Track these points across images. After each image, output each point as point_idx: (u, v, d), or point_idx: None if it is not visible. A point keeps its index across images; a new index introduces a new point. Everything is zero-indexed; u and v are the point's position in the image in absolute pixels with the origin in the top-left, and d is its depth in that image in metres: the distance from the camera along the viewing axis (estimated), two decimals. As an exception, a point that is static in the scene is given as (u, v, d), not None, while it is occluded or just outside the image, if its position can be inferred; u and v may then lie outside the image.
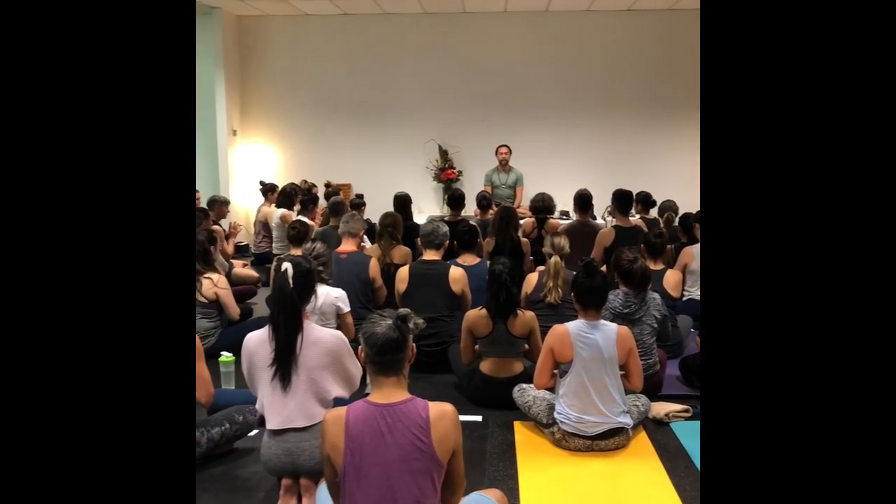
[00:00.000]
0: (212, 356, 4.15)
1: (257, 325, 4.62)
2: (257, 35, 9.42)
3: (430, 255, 4.70)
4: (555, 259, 4.42)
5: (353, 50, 9.32)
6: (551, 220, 6.36)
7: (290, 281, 2.83)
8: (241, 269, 6.65)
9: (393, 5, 8.72)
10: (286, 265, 2.87)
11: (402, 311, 2.25)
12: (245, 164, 9.52)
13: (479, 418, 3.81)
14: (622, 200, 5.87)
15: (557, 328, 3.45)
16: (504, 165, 8.57)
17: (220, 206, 7.24)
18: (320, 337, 2.86)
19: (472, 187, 8.44)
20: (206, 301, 4.64)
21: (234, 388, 4.08)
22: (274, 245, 7.44)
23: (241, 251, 8.22)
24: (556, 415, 3.47)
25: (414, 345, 2.28)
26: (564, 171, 9.02)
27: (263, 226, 7.69)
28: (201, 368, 3.16)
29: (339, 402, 2.85)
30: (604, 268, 4.90)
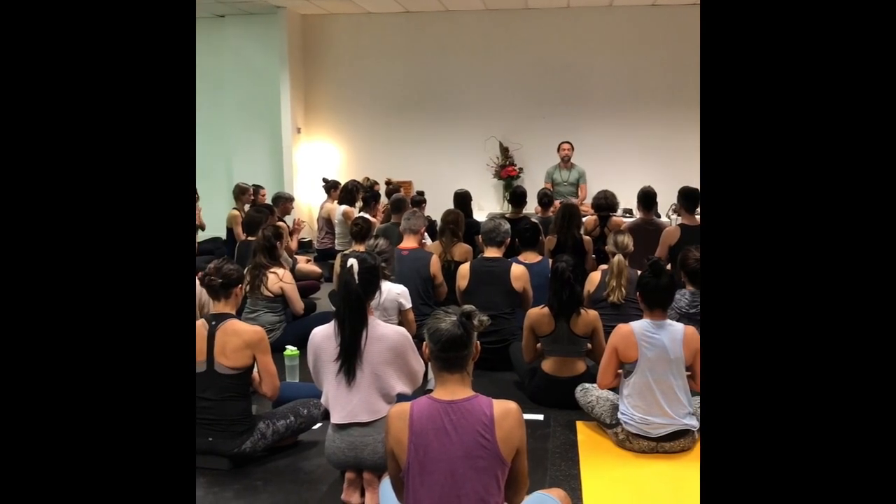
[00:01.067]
0: (276, 350, 4.22)
1: (321, 319, 4.69)
2: (321, 33, 9.54)
3: (491, 253, 4.69)
4: (618, 258, 4.35)
5: (414, 47, 9.36)
6: (614, 218, 6.27)
7: (356, 277, 2.86)
8: (305, 264, 6.75)
9: (455, 2, 8.72)
10: (352, 261, 2.90)
11: (467, 307, 2.24)
12: (309, 161, 9.66)
13: (540, 417, 3.79)
14: (689, 198, 5.74)
15: (622, 328, 3.40)
16: (566, 162, 8.49)
17: (284, 202, 7.37)
18: (384, 333, 2.88)
19: (533, 184, 8.37)
20: (271, 295, 4.73)
21: (297, 381, 4.15)
22: (336, 241, 7.53)
23: (304, 247, 8.35)
24: (619, 415, 3.41)
25: (478, 342, 2.27)
26: (627, 169, 8.87)
27: (326, 222, 7.79)
28: (267, 362, 3.22)
29: (402, 398, 2.87)
30: (668, 267, 4.81)
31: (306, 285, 6.02)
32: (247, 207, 7.31)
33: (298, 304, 4.90)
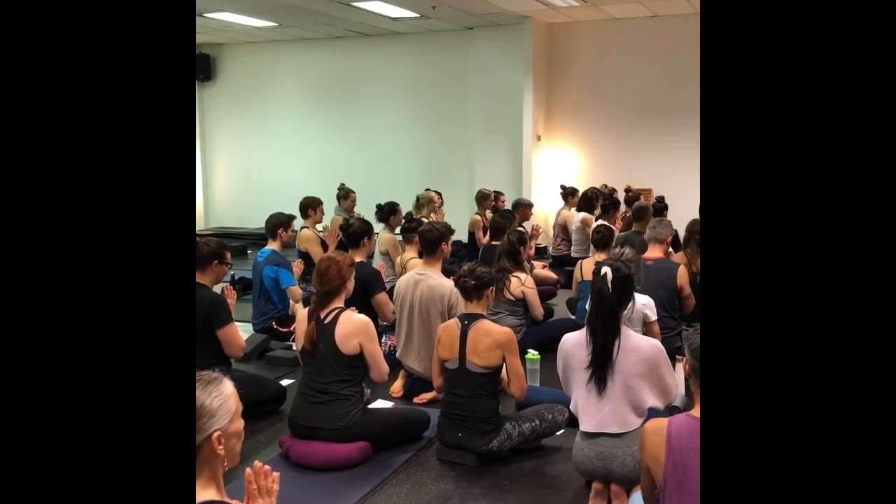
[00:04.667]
0: (518, 353, 4.31)
1: (560, 325, 4.73)
2: (565, 41, 9.59)
3: (746, 267, 4.41)
4: None
5: (660, 52, 9.10)
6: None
7: (609, 285, 2.83)
8: (541, 270, 6.82)
9: (707, 3, 8.34)
10: (605, 269, 2.87)
11: (735, 324, 2.13)
12: (547, 167, 9.76)
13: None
14: None
15: None
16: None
17: (524, 208, 7.49)
18: (638, 344, 2.83)
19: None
20: (513, 299, 4.83)
21: (538, 385, 4.20)
22: (572, 248, 7.53)
23: (539, 253, 8.45)
24: None
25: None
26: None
27: (562, 229, 7.81)
28: (516, 363, 3.30)
29: (653, 412, 2.80)
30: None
31: (543, 291, 6.07)
32: (488, 213, 7.55)
33: (539, 309, 4.95)
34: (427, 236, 4.18)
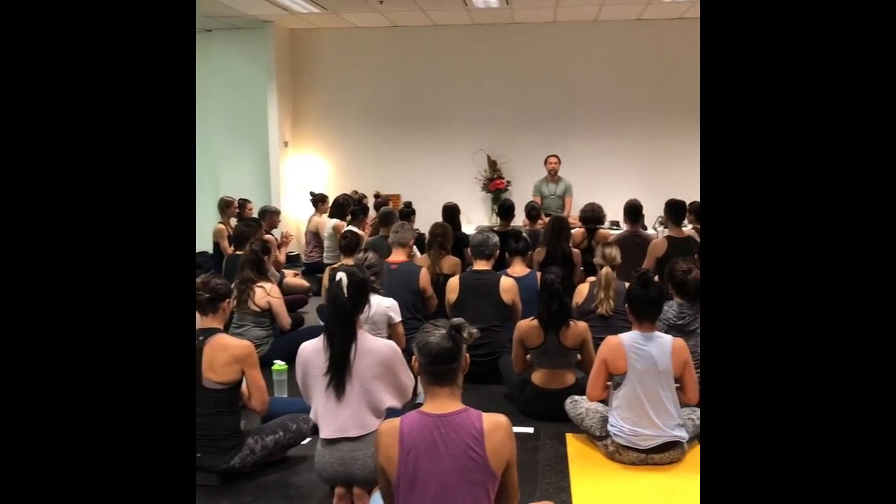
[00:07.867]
0: (264, 364, 4.18)
1: (309, 334, 4.65)
2: (309, 48, 9.56)
3: (480, 266, 4.70)
4: (606, 270, 4.37)
5: (402, 61, 9.40)
6: (601, 231, 6.29)
7: (345, 290, 2.85)
8: (293, 278, 6.74)
9: (442, 17, 8.77)
10: (340, 275, 2.89)
11: (456, 320, 2.25)
12: (296, 174, 9.65)
13: (530, 430, 3.78)
14: (675, 211, 5.77)
15: (611, 339, 3.41)
16: (553, 175, 8.52)
17: (271, 216, 7.34)
18: (374, 346, 2.88)
19: (520, 197, 8.39)
20: (258, 310, 4.71)
21: (286, 396, 4.12)
22: (325, 255, 7.51)
23: (291, 261, 8.33)
24: (609, 427, 3.42)
25: (468, 355, 2.27)
26: (614, 181, 8.92)
27: (314, 236, 7.77)
28: (256, 376, 3.20)
29: (391, 412, 2.87)
30: (656, 278, 4.83)
31: (294, 299, 6.00)
32: (232, 221, 7.29)
33: (286, 319, 4.87)
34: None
